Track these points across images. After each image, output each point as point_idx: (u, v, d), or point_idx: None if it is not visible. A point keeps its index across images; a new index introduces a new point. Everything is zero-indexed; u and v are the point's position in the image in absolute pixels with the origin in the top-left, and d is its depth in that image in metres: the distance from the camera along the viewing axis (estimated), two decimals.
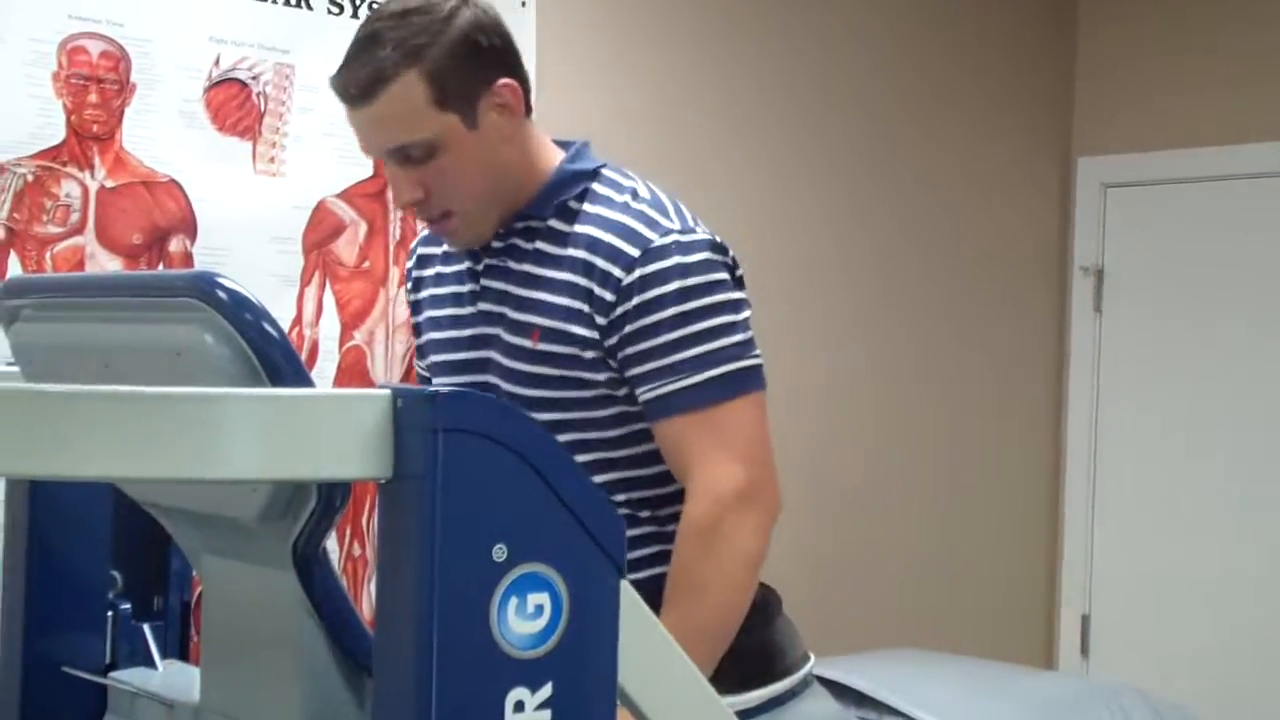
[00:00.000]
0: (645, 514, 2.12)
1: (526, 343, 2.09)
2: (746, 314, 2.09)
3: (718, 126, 3.99)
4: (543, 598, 1.30)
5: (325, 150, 3.18)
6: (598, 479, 2.06)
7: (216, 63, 3.04)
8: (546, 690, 1.30)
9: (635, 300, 2.03)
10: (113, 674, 1.87)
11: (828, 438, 4.20)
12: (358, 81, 2.03)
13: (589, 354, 2.06)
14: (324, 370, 3.17)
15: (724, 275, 2.08)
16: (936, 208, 4.53)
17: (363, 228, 3.23)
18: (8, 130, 2.80)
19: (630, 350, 2.04)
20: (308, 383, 1.39)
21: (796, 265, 4.17)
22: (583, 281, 2.06)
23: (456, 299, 2.21)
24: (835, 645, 3.44)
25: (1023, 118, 4.79)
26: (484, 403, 1.30)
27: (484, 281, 2.16)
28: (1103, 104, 4.85)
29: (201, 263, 2.99)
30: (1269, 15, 4.51)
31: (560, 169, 2.14)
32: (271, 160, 3.12)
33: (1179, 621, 4.64)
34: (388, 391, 1.27)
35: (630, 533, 2.06)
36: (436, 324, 2.25)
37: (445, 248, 2.26)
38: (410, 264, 2.38)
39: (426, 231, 2.32)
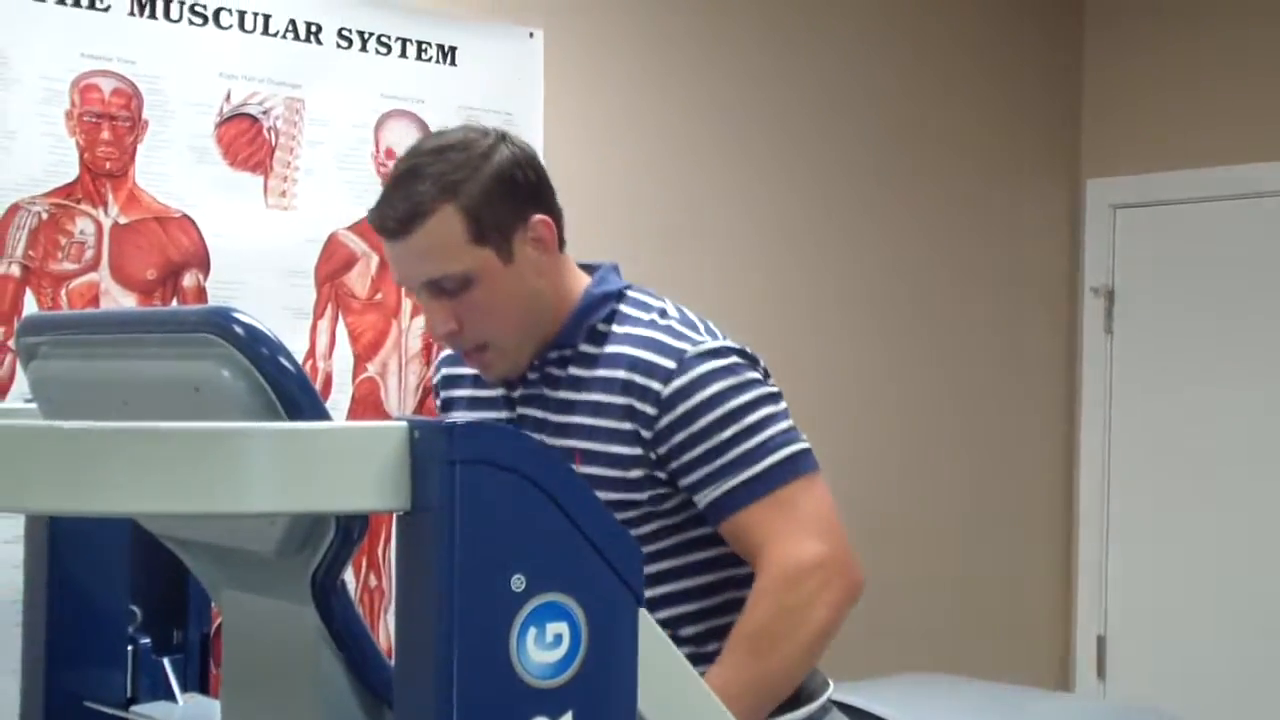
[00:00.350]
0: (687, 631, 2.12)
1: None
2: (782, 405, 2.12)
3: (727, 157, 4.00)
4: (562, 627, 1.31)
5: (336, 183, 3.20)
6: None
7: (227, 98, 3.06)
8: (567, 719, 1.31)
9: (679, 410, 2.05)
10: (134, 708, 1.88)
11: (842, 462, 4.19)
12: (396, 215, 2.06)
13: (634, 473, 2.08)
14: (338, 402, 3.18)
15: (753, 374, 2.11)
16: (947, 232, 4.53)
17: (374, 260, 3.24)
18: (22, 168, 2.81)
19: (684, 459, 2.06)
20: (324, 416, 1.40)
21: (808, 289, 4.17)
22: (620, 400, 2.08)
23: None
24: (851, 670, 3.43)
25: (1031, 141, 4.79)
26: (501, 433, 1.31)
27: (520, 410, 2.19)
28: (1110, 126, 4.86)
29: (215, 297, 3.00)
30: (1277, 35, 4.52)
31: (587, 294, 2.16)
32: (283, 194, 3.13)
33: (1195, 642, 4.62)
34: (404, 424, 1.28)
35: None
36: None
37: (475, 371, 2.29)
38: (436, 381, 2.41)
39: (448, 351, 2.35)
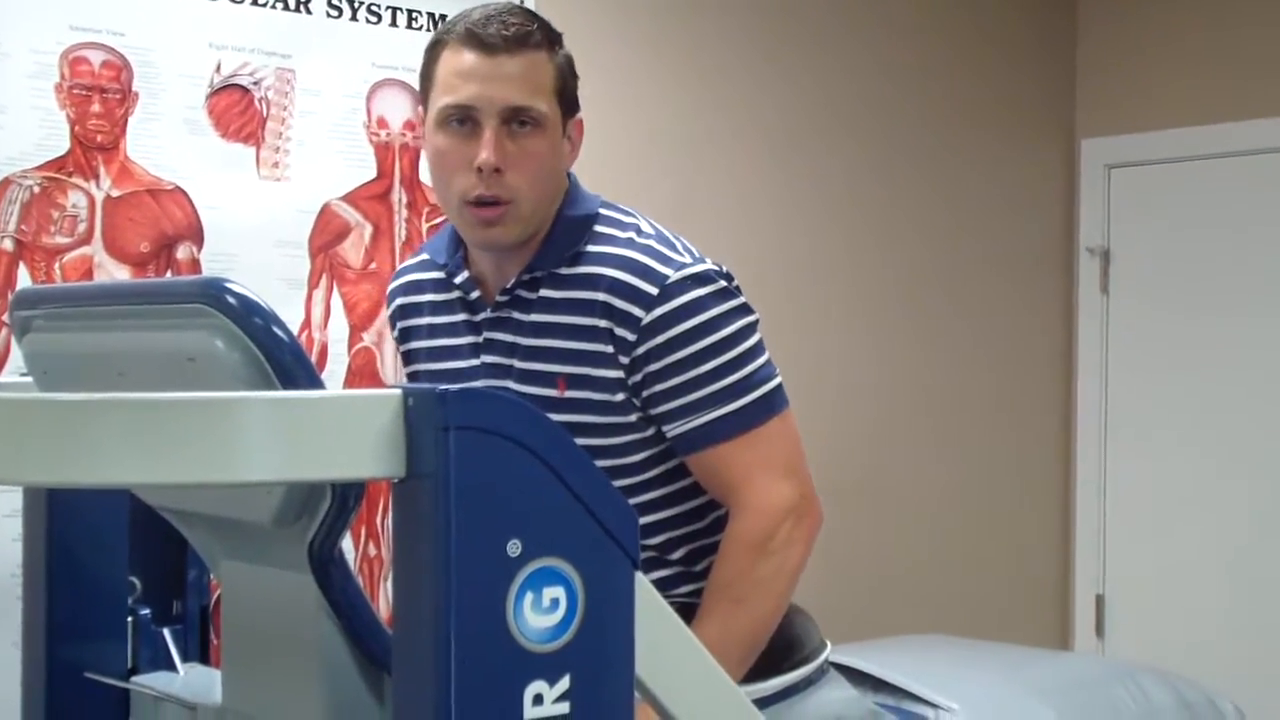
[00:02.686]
0: (677, 554, 2.12)
1: (551, 392, 2.07)
2: (759, 335, 2.10)
3: (716, 122, 4.00)
4: (558, 591, 1.31)
5: (329, 153, 3.19)
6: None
7: (218, 69, 3.05)
8: (565, 683, 1.32)
9: (659, 338, 2.02)
10: (135, 678, 1.88)
11: (839, 426, 4.21)
12: (506, 33, 2.04)
13: (618, 396, 2.05)
14: (334, 372, 3.18)
15: (737, 300, 2.09)
16: (940, 193, 4.53)
17: (368, 230, 3.24)
18: (13, 143, 2.81)
19: (658, 387, 2.04)
20: (318, 385, 1.40)
21: (801, 254, 4.17)
22: (603, 323, 2.04)
23: (455, 351, 2.19)
24: (851, 632, 3.45)
25: (1024, 101, 4.79)
26: (494, 399, 1.31)
27: (486, 334, 2.15)
28: (1104, 85, 4.85)
29: (209, 269, 3.00)
30: None
31: (562, 217, 2.13)
32: (275, 165, 3.13)
33: (1193, 600, 4.64)
34: (398, 391, 1.28)
35: (659, 574, 2.09)
36: (435, 378, 2.21)
37: (432, 297, 2.24)
38: (390, 312, 2.35)
39: (401, 280, 2.32)
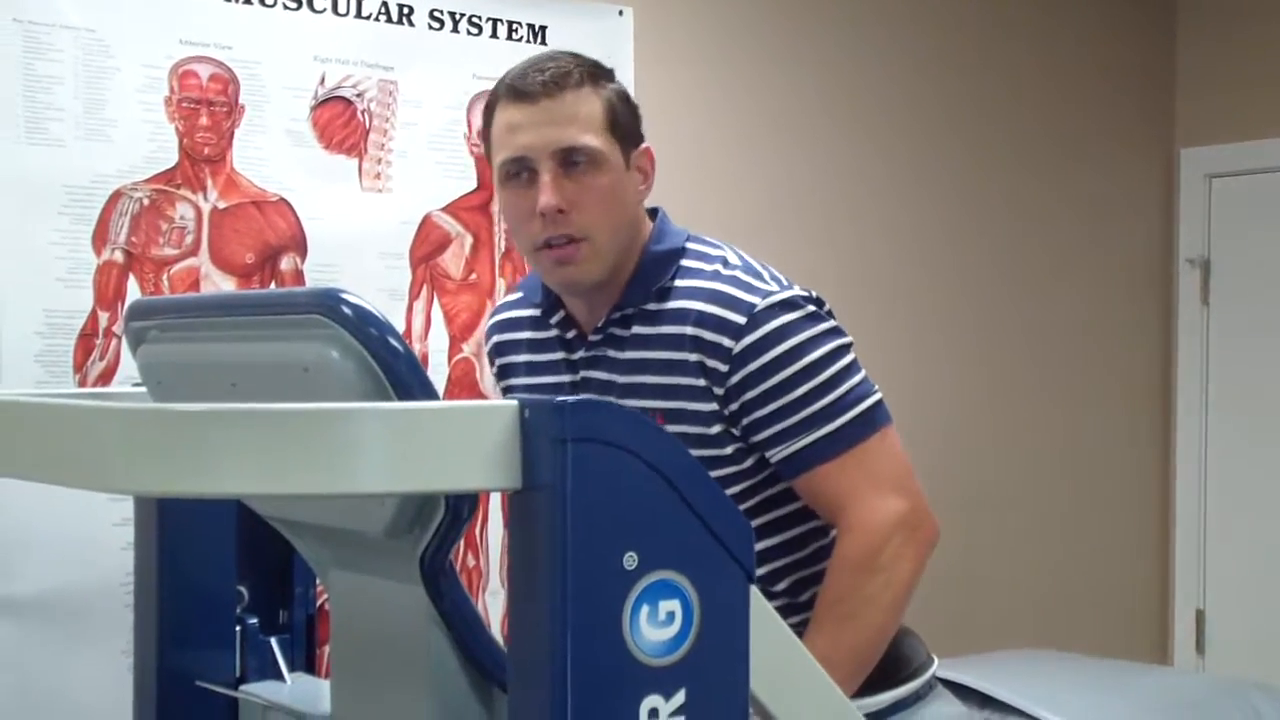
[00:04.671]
0: (781, 585, 2.11)
1: None
2: (853, 355, 2.09)
3: (819, 137, 3.98)
4: (674, 605, 1.30)
5: (429, 165, 3.21)
6: None
7: (322, 81, 3.08)
8: (680, 697, 1.30)
9: (752, 366, 2.02)
10: (243, 687, 1.89)
11: (943, 442, 4.18)
12: (543, 79, 2.05)
13: (713, 429, 2.05)
14: (434, 383, 3.19)
15: (827, 324, 2.08)
16: (1040, 205, 4.49)
17: (468, 240, 3.25)
18: (124, 155, 2.85)
19: (756, 414, 2.03)
20: (434, 396, 1.40)
21: (901, 266, 4.15)
22: (693, 357, 2.04)
23: (555, 389, 2.19)
24: (954, 646, 3.41)
25: (1124, 111, 4.74)
26: (612, 411, 1.30)
27: (583, 373, 2.16)
28: (1204, 94, 4.79)
29: (312, 280, 3.02)
30: None
31: (649, 253, 2.13)
32: (377, 176, 3.15)
33: None
34: (515, 403, 1.27)
35: None
36: None
37: (530, 334, 2.25)
38: (489, 349, 2.36)
39: (498, 318, 2.33)
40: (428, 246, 3.21)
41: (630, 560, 1.27)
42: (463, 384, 3.26)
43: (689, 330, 2.05)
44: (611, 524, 1.27)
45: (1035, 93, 4.48)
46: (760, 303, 2.04)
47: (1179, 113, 4.85)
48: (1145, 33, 4.79)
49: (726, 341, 2.03)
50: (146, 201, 2.87)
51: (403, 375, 1.38)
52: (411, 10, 3.19)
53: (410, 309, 3.19)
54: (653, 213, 2.19)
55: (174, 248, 2.90)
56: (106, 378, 2.82)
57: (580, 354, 2.16)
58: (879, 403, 2.07)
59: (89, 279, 2.82)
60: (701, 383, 2.04)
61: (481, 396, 3.22)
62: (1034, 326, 4.48)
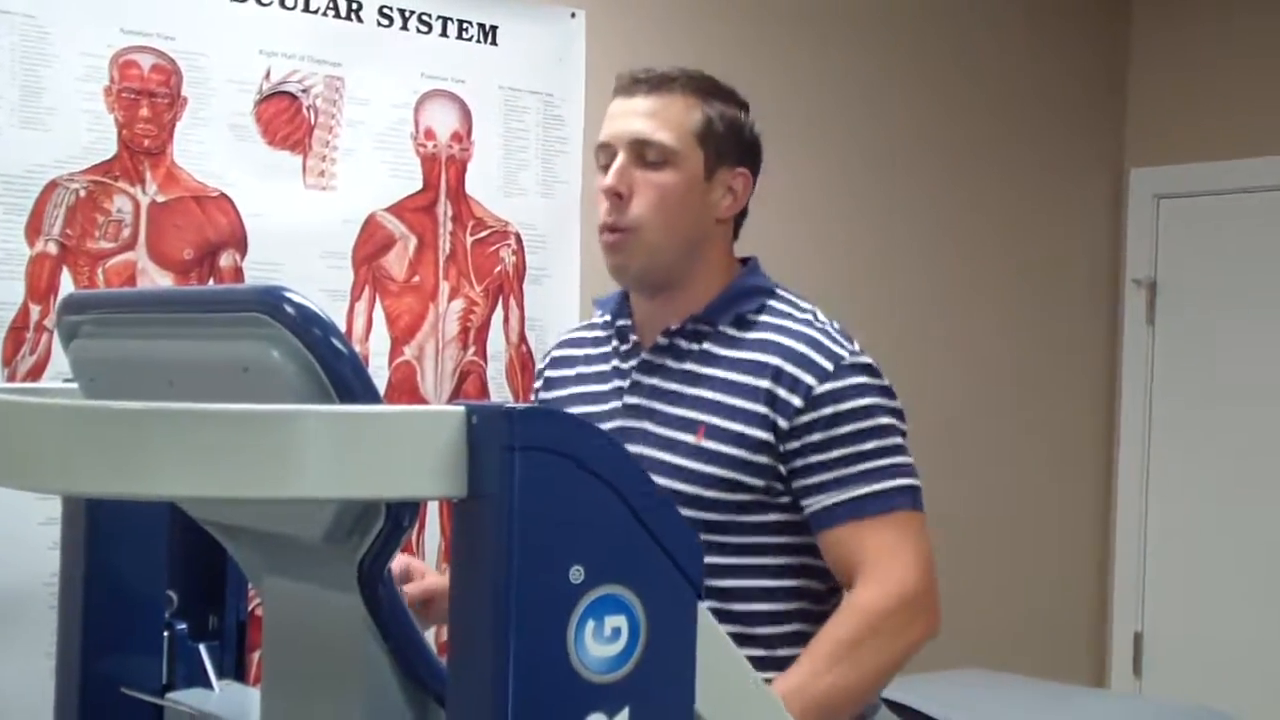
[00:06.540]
0: (762, 631, 2.12)
1: (688, 438, 2.13)
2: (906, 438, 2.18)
3: (772, 145, 3.95)
4: (620, 620, 1.26)
5: (375, 164, 3.16)
6: (723, 582, 2.10)
7: (267, 76, 3.03)
8: (624, 715, 1.27)
9: (827, 410, 2.09)
10: (170, 694, 1.84)
11: None
12: (652, 75, 2.19)
13: (759, 458, 2.10)
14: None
15: (895, 401, 2.18)
16: (988, 220, 4.49)
17: (413, 242, 3.20)
18: (61, 145, 2.79)
19: (815, 458, 2.09)
20: (377, 399, 1.36)
21: (853, 279, 4.13)
22: (766, 384, 2.11)
23: (598, 397, 2.27)
24: None
25: (1074, 129, 4.74)
26: (561, 419, 1.26)
27: (635, 376, 2.22)
28: (1155, 114, 4.80)
29: (252, 277, 2.97)
30: None
31: (742, 281, 2.23)
32: (321, 174, 3.10)
33: (1233, 639, 4.58)
34: (461, 408, 1.23)
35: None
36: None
37: (588, 350, 2.34)
38: (543, 364, 2.45)
39: (565, 337, 2.44)
40: (371, 247, 3.16)
41: (577, 574, 1.24)
42: (403, 388, 3.21)
43: (772, 360, 2.12)
44: (558, 535, 1.23)
45: (986, 109, 4.48)
46: (849, 358, 2.14)
47: (1129, 133, 4.86)
48: (1097, 53, 4.80)
49: (809, 379, 2.10)
50: (83, 193, 2.81)
51: (346, 377, 1.33)
52: (360, 6, 3.14)
53: (352, 310, 3.14)
54: (749, 260, 2.30)
55: (110, 241, 2.84)
56: (36, 373, 2.75)
57: (634, 361, 2.24)
58: (920, 489, 2.15)
59: (21, 270, 2.76)
60: (764, 410, 2.10)
61: (423, 401, 3.18)
62: (978, 342, 4.48)
